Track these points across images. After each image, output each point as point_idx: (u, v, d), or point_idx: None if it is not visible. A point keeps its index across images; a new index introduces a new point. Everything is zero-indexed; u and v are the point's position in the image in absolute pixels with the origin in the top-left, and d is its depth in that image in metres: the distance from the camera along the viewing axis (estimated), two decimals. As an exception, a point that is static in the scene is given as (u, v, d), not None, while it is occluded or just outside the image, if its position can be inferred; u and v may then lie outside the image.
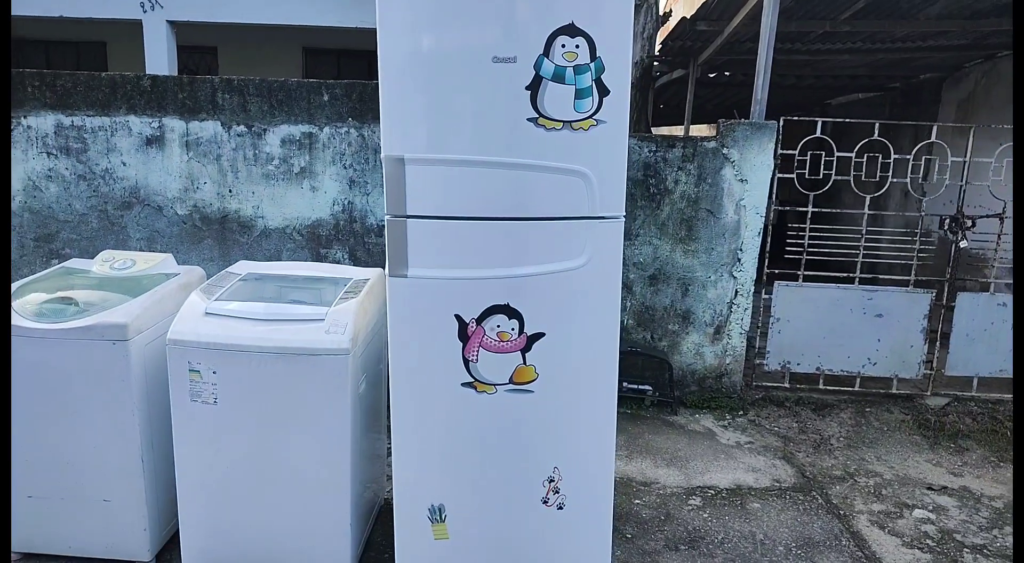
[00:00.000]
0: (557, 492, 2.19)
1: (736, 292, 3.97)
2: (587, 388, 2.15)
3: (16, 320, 2.29)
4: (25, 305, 2.35)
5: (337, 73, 8.76)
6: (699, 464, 3.31)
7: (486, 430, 2.15)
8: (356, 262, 4.10)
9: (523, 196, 2.04)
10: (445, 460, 2.18)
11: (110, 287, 2.52)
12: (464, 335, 2.10)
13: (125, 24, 6.71)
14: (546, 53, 1.95)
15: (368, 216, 4.06)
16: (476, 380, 2.12)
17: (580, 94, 2.00)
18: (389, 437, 2.19)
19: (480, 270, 2.07)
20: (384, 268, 2.73)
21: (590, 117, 2.01)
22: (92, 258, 2.78)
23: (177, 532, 2.46)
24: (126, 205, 4.09)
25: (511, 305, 2.08)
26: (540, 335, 2.10)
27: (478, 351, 2.11)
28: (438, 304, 2.09)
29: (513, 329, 2.10)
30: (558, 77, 1.98)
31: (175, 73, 6.74)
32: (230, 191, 4.05)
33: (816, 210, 3.95)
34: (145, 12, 6.47)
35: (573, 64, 1.97)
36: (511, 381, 2.12)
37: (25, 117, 4.01)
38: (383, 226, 4.06)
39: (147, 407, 2.37)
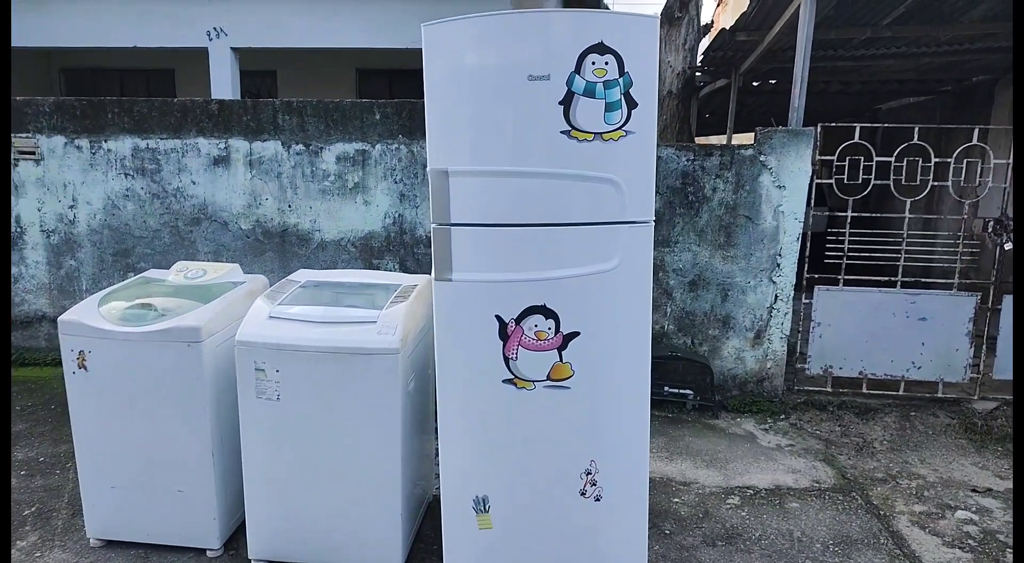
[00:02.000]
0: (594, 484, 2.31)
1: (776, 297, 4.02)
2: (621, 384, 2.27)
3: (102, 324, 2.54)
4: (110, 311, 2.61)
5: (389, 92, 9.09)
6: (739, 465, 3.37)
7: (526, 424, 2.29)
8: (406, 271, 4.30)
9: (558, 203, 2.18)
10: (488, 453, 2.33)
11: (184, 294, 2.76)
12: (504, 334, 2.24)
13: (192, 52, 7.14)
14: (577, 70, 2.10)
15: (417, 228, 4.26)
16: (516, 377, 2.26)
17: (610, 107, 2.14)
18: (437, 438, 2.34)
19: (518, 273, 2.22)
20: (429, 274, 2.91)
21: (619, 128, 2.14)
22: (167, 269, 3.04)
23: (243, 522, 2.67)
24: (195, 221, 4.39)
25: (548, 306, 2.22)
26: (575, 334, 2.23)
27: (517, 349, 2.25)
28: (480, 305, 2.24)
29: (550, 328, 2.23)
30: (589, 92, 2.12)
31: (239, 96, 7.13)
32: (289, 206, 4.31)
33: (856, 214, 3.98)
34: (211, 40, 6.88)
35: (603, 80, 2.11)
36: (548, 378, 2.25)
37: (105, 141, 4.36)
38: (431, 237, 4.26)
39: (217, 404, 2.59)
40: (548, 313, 2.23)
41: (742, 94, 7.23)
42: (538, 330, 2.24)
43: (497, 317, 2.24)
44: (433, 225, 2.23)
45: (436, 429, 3.17)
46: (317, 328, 2.44)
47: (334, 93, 8.46)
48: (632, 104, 2.14)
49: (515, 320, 2.23)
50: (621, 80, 2.12)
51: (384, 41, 6.96)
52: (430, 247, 4.35)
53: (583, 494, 2.32)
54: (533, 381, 2.26)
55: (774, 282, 4.00)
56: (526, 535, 2.36)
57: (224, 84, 7.02)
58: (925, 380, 4.06)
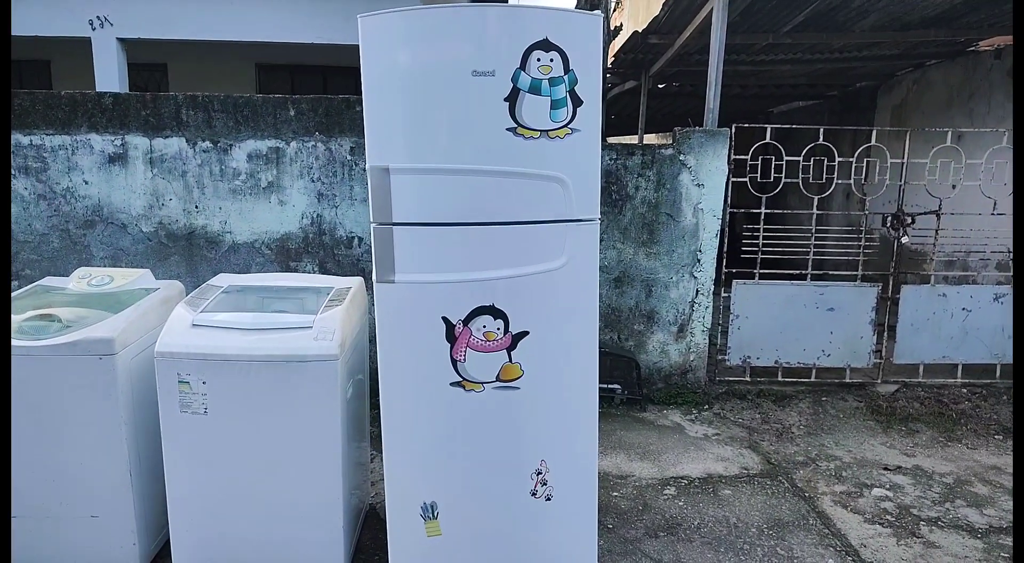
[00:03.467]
0: (545, 484, 2.29)
1: (697, 291, 4.15)
2: (570, 382, 2.26)
3: (-2, 339, 2.28)
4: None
5: (291, 88, 8.75)
6: (671, 456, 3.44)
7: (475, 427, 2.23)
8: (326, 273, 4.13)
9: (504, 202, 2.14)
10: (436, 458, 2.26)
11: (90, 304, 2.52)
12: (452, 336, 2.18)
13: (71, 42, 6.60)
14: (523, 66, 2.06)
15: (337, 228, 4.11)
16: (464, 379, 2.20)
17: (555, 105, 2.11)
18: (381, 446, 2.25)
19: (465, 273, 2.16)
20: (360, 277, 2.81)
21: (565, 126, 2.13)
22: (65, 277, 2.77)
23: (167, 544, 2.47)
24: (89, 224, 4.05)
25: (496, 306, 2.17)
26: (524, 333, 2.20)
27: (465, 351, 2.19)
28: (425, 307, 2.17)
29: (499, 329, 2.19)
30: (534, 89, 2.09)
31: (126, 91, 6.64)
32: (196, 207, 4.05)
33: (768, 211, 4.16)
34: (95, 30, 6.38)
35: (548, 77, 2.09)
36: (498, 379, 2.21)
37: (-19, 137, 3.94)
38: (352, 238, 4.12)
39: (134, 420, 2.38)
40: (497, 313, 2.18)
41: (648, 97, 7.44)
42: (487, 331, 2.19)
43: (444, 319, 2.17)
44: (373, 225, 2.14)
45: (375, 436, 3.06)
46: (247, 335, 2.29)
47: (232, 89, 8.04)
48: (577, 102, 2.13)
49: (463, 321, 2.17)
50: (566, 77, 2.10)
51: (286, 35, 6.69)
52: (352, 248, 4.23)
53: (534, 494, 2.29)
54: (482, 383, 2.21)
55: (695, 277, 4.13)
56: (477, 538, 2.31)
57: (110, 78, 6.52)
58: (834, 366, 4.31)
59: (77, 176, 4.00)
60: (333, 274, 4.11)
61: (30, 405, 2.31)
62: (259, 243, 4.10)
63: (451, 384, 2.21)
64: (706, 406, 4.11)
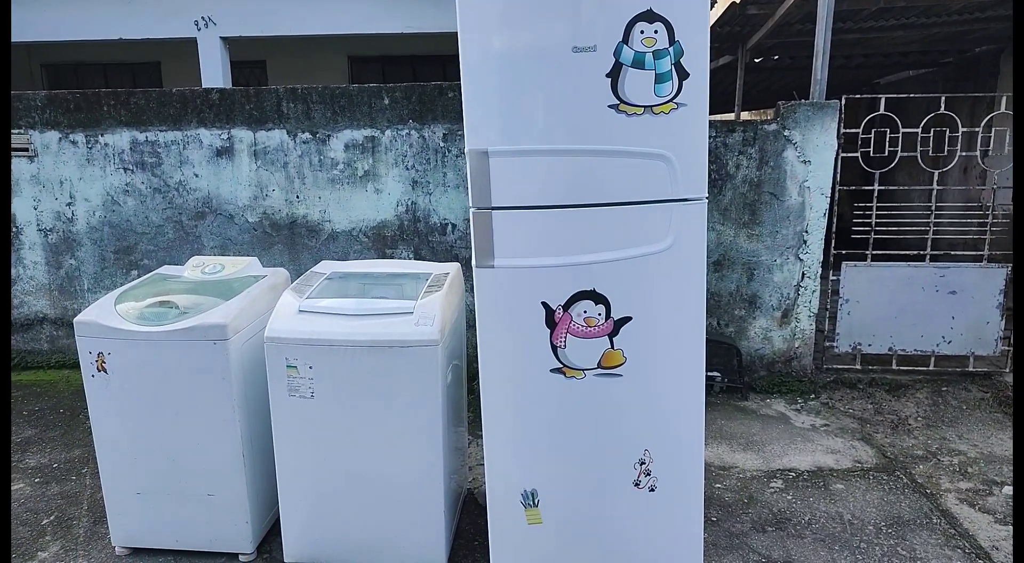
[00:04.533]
0: (648, 474, 2.22)
1: (803, 274, 3.94)
2: (675, 370, 2.17)
3: (121, 324, 2.41)
4: (129, 310, 2.48)
5: (382, 79, 8.91)
6: (776, 447, 3.29)
7: (576, 415, 2.19)
8: (421, 260, 4.18)
9: (606, 182, 2.07)
10: (537, 446, 2.23)
11: (204, 291, 2.63)
12: (551, 322, 2.14)
13: (179, 43, 6.94)
14: (625, 40, 1.98)
15: (431, 215, 4.14)
16: (564, 366, 2.16)
17: (660, 79, 2.02)
18: (481, 432, 2.24)
19: (566, 257, 2.11)
20: (457, 263, 2.81)
21: (670, 101, 2.03)
22: (180, 265, 2.90)
23: (277, 523, 2.56)
24: (199, 215, 4.25)
25: (597, 290, 2.12)
26: (627, 319, 2.13)
27: (565, 337, 2.15)
28: (524, 292, 2.14)
29: (600, 314, 2.13)
30: (638, 63, 2.01)
31: (230, 87, 6.93)
32: (297, 197, 4.17)
33: (882, 188, 3.89)
34: (200, 30, 6.68)
35: (652, 49, 2.00)
36: (599, 366, 2.15)
37: (102, 135, 4.19)
38: (446, 224, 4.15)
39: (246, 404, 2.47)
40: (598, 298, 2.12)
41: (744, 71, 7.12)
42: (587, 316, 2.13)
43: (543, 304, 2.13)
44: (472, 209, 2.12)
45: (472, 421, 3.07)
46: (350, 321, 2.32)
47: (326, 81, 8.27)
48: (683, 74, 2.03)
49: (563, 307, 2.13)
50: (671, 49, 2.00)
51: (376, 26, 6.79)
52: (446, 235, 4.26)
53: (637, 485, 2.23)
54: (583, 369, 2.16)
55: (801, 259, 3.92)
56: (578, 528, 2.27)
57: (215, 75, 6.82)
58: (955, 354, 4.00)
59: (188, 170, 4.20)
60: (428, 261, 4.16)
61: (151, 388, 2.43)
62: (356, 231, 4.19)
63: (551, 371, 2.17)
64: (812, 395, 3.91)
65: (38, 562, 2.65)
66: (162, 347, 2.39)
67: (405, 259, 4.19)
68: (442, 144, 4.05)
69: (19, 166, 4.30)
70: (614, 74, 2.00)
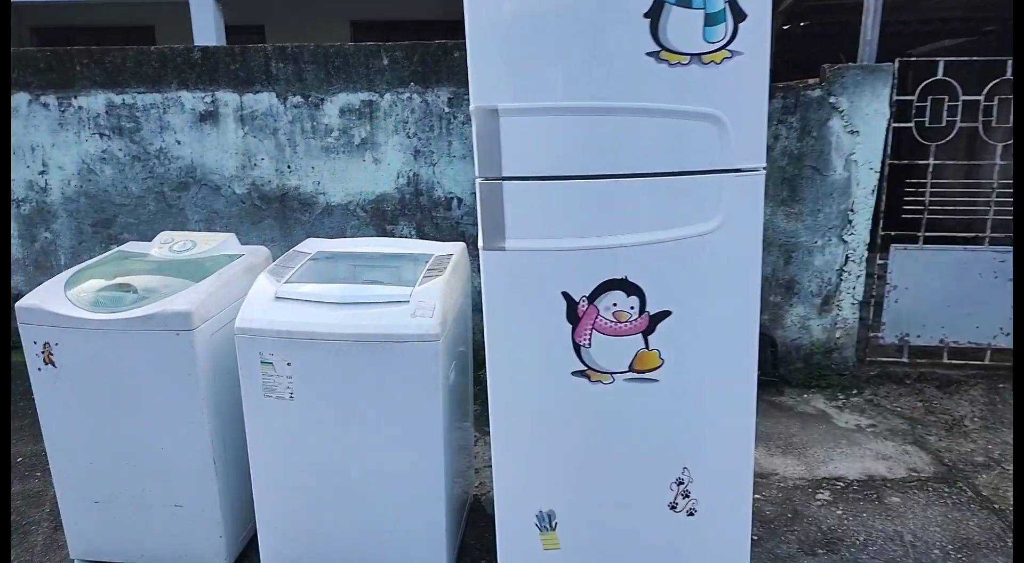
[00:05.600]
0: (687, 496, 1.88)
1: (847, 258, 3.56)
2: (722, 375, 1.82)
3: (70, 310, 2.07)
4: (80, 294, 2.13)
5: (386, 45, 8.47)
6: (819, 451, 2.95)
7: (602, 426, 1.84)
8: (424, 238, 3.82)
9: (642, 148, 1.71)
10: (554, 461, 1.89)
11: (170, 271, 2.28)
12: (574, 316, 1.78)
13: (172, 5, 6.54)
14: (671, -30, 1.60)
15: (435, 188, 3.77)
16: (589, 368, 1.81)
17: (711, 20, 1.64)
18: (489, 442, 1.91)
19: (592, 239, 1.75)
20: (463, 242, 2.45)
21: (723, 48, 1.66)
22: (150, 241, 2.55)
23: (255, 535, 2.24)
24: (183, 186, 3.89)
25: (629, 279, 1.76)
26: (665, 314, 1.77)
27: (591, 334, 1.79)
28: (542, 281, 1.78)
29: (632, 308, 1.77)
30: (683, 1, 1.63)
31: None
32: (289, 167, 3.80)
33: (938, 163, 3.49)
34: (191, -11, 6.26)
35: (703, -18, 1.62)
36: (631, 369, 1.80)
37: (75, 97, 3.83)
38: (451, 199, 3.78)
39: (216, 403, 2.14)
40: (630, 288, 1.76)
41: (772, 40, 6.66)
42: (618, 310, 1.78)
43: (564, 295, 1.78)
44: (479, 180, 1.76)
45: (479, 415, 2.73)
46: (336, 311, 1.97)
47: (329, 46, 7.84)
48: (739, 15, 1.65)
49: (588, 298, 1.77)
50: (727, -18, 1.62)
51: (381, -14, 6.36)
52: (451, 210, 3.90)
53: (673, 508, 1.89)
54: (611, 373, 1.81)
55: (845, 241, 3.53)
56: (602, 557, 1.94)
57: (207, 39, 6.41)
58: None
59: (169, 136, 3.83)
60: (430, 239, 3.79)
61: (106, 384, 2.10)
62: (353, 205, 3.82)
63: (573, 374, 1.82)
64: (855, 391, 3.55)
65: (-12, 575, 2.35)
66: (117, 337, 2.04)
67: (407, 236, 3.82)
68: (447, 109, 3.66)
69: (-13, 131, 3.94)
70: (654, 14, 1.62)
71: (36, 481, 2.88)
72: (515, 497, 1.92)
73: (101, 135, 3.86)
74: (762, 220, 1.75)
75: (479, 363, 2.02)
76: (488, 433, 1.89)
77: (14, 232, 4.07)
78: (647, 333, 1.78)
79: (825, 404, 3.42)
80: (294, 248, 2.38)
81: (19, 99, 3.87)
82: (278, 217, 3.88)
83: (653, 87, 1.66)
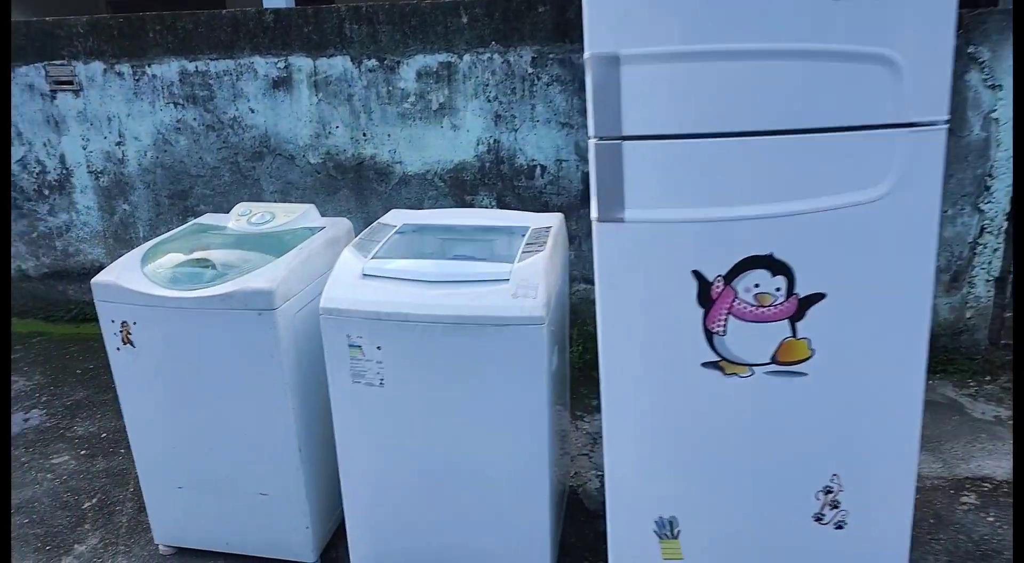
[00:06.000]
0: (836, 507, 1.62)
1: (982, 229, 3.16)
2: (884, 370, 1.54)
3: (147, 287, 1.93)
4: (157, 269, 2.00)
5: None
6: (956, 447, 2.62)
7: (737, 425, 1.60)
8: (505, 209, 3.60)
9: (791, 98, 1.43)
10: (678, 462, 1.66)
11: (249, 246, 2.13)
12: (707, 298, 1.54)
13: (241, -31, 6.42)
14: None
15: (517, 156, 3.53)
16: (723, 359, 1.57)
17: (888, -64, 1.34)
18: (602, 439, 1.69)
19: (731, 208, 1.49)
20: (559, 214, 2.22)
21: (902, -28, 1.35)
22: (227, 213, 2.41)
23: (341, 524, 2.11)
24: (257, 155, 3.77)
25: (776, 257, 1.50)
26: (818, 297, 1.51)
27: (726, 320, 1.55)
28: (669, 258, 1.54)
29: (778, 290, 1.51)
30: (855, -85, 1.33)
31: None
32: (364, 135, 3.63)
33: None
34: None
35: None
36: (774, 360, 1.55)
37: (149, 65, 3.73)
38: (534, 167, 3.54)
39: (301, 387, 1.98)
40: (776, 267, 1.50)
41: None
42: (760, 292, 1.52)
43: (696, 274, 1.53)
44: (593, 140, 1.52)
45: (577, 406, 2.52)
46: (430, 290, 1.77)
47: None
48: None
49: (724, 278, 1.52)
50: None
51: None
52: (533, 179, 3.66)
53: (819, 519, 1.64)
54: (750, 365, 1.56)
55: (980, 210, 3.14)
56: (729, 571, 1.71)
57: (278, 2, 6.29)
58: None
59: (243, 104, 3.71)
60: (513, 209, 3.57)
61: (186, 366, 1.97)
62: (431, 174, 3.63)
63: (703, 365, 1.58)
64: (988, 377, 3.18)
65: (74, 557, 2.29)
66: (196, 317, 1.91)
67: (487, 207, 3.61)
68: (530, 70, 3.40)
69: (65, 102, 3.90)
70: (821, -69, 1.33)
71: (121, 458, 2.83)
72: (631, 499, 1.70)
73: (175, 104, 3.76)
74: (941, 186, 1.45)
75: (570, 340, 1.79)
76: (582, 418, 1.67)
77: (93, 204, 4.05)
78: (795, 319, 1.52)
79: (955, 392, 3.07)
80: (378, 220, 2.20)
81: (94, 69, 3.79)
82: (354, 188, 3.72)
83: (803, 22, 1.39)
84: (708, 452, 1.63)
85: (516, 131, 3.50)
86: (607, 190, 1.53)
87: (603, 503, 1.73)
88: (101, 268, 2.07)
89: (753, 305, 1.53)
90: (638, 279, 1.56)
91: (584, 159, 3.44)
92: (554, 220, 2.12)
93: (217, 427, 2.02)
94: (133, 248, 2.16)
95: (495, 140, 3.53)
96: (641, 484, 1.69)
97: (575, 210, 3.49)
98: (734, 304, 1.53)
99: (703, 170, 1.49)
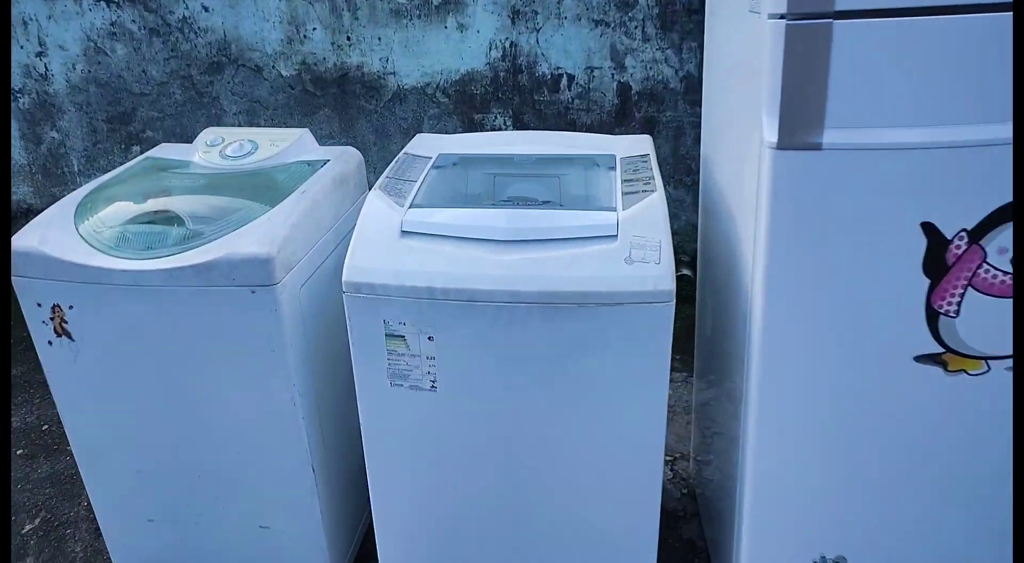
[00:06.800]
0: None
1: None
2: None
3: (87, 256, 1.34)
4: (99, 229, 1.40)
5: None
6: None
7: (956, 442, 1.13)
8: (523, 128, 3.01)
9: None
10: (860, 486, 1.19)
11: (228, 190, 1.53)
12: (939, 264, 1.03)
13: None
14: None
15: (538, 62, 2.90)
16: (949, 350, 1.07)
17: None
18: (741, 447, 1.20)
19: (983, 129, 0.97)
20: (647, 135, 1.67)
21: None
22: (189, 143, 1.78)
23: (365, 540, 1.64)
24: (215, 67, 3.06)
25: (1056, 201, 0.98)
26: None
27: (963, 294, 1.04)
28: (885, 202, 1.02)
29: (1054, 250, 1.01)
30: None
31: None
32: (348, 39, 2.95)
33: None
34: None
35: None
36: (1031, 352, 1.06)
37: (69, -49, 2.95)
38: (559, 76, 2.91)
39: (314, 387, 1.45)
40: (1057, 216, 0.99)
41: None
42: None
43: (927, 228, 1.02)
44: (786, 21, 0.97)
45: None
46: (505, 254, 1.22)
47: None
48: None
49: (969, 234, 1.01)
50: None
51: None
52: (558, 92, 3.04)
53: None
54: (985, 358, 1.07)
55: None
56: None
57: None
58: None
59: (194, 2, 2.97)
60: (533, 128, 2.97)
61: (149, 366, 1.41)
62: (431, 87, 2.99)
63: (918, 359, 1.09)
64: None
65: (18, 595, 1.78)
66: (159, 297, 1.33)
67: (498, 128, 3.01)
68: (555, -46, 2.74)
69: (-36, 1, 3.10)
70: None
71: (68, 459, 2.24)
72: (782, 527, 1.25)
73: (109, 2, 3.01)
74: None
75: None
76: (746, 459, 1.18)
77: (14, 131, 3.32)
78: (1073, 294, 1.03)
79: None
80: (405, 150, 1.60)
81: (-3, -44, 2.99)
82: (336, 106, 3.07)
83: None
84: (905, 475, 1.16)
85: (538, 31, 2.85)
86: (798, 99, 0.99)
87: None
88: (30, 211, 1.48)
89: (1007, 273, 1.03)
90: (834, 234, 1.05)
91: (621, 66, 2.84)
92: (645, 144, 1.57)
93: (196, 444, 1.48)
94: (67, 185, 1.56)
95: (511, 43, 2.89)
96: (799, 506, 1.23)
97: (607, 132, 2.91)
98: (977, 273, 1.03)
99: (959, 66, 0.95)
